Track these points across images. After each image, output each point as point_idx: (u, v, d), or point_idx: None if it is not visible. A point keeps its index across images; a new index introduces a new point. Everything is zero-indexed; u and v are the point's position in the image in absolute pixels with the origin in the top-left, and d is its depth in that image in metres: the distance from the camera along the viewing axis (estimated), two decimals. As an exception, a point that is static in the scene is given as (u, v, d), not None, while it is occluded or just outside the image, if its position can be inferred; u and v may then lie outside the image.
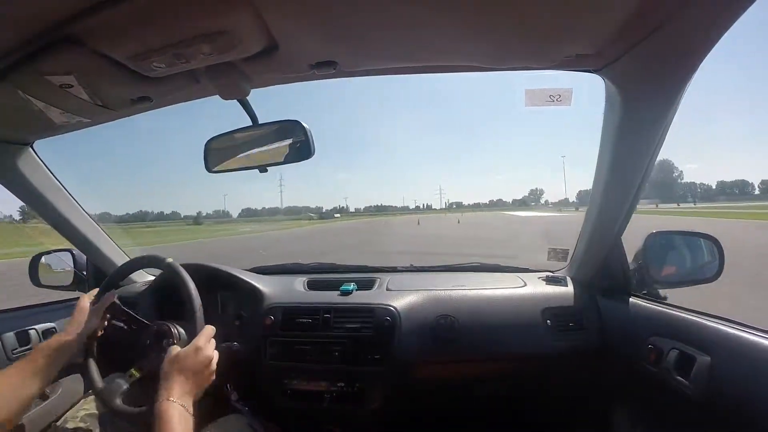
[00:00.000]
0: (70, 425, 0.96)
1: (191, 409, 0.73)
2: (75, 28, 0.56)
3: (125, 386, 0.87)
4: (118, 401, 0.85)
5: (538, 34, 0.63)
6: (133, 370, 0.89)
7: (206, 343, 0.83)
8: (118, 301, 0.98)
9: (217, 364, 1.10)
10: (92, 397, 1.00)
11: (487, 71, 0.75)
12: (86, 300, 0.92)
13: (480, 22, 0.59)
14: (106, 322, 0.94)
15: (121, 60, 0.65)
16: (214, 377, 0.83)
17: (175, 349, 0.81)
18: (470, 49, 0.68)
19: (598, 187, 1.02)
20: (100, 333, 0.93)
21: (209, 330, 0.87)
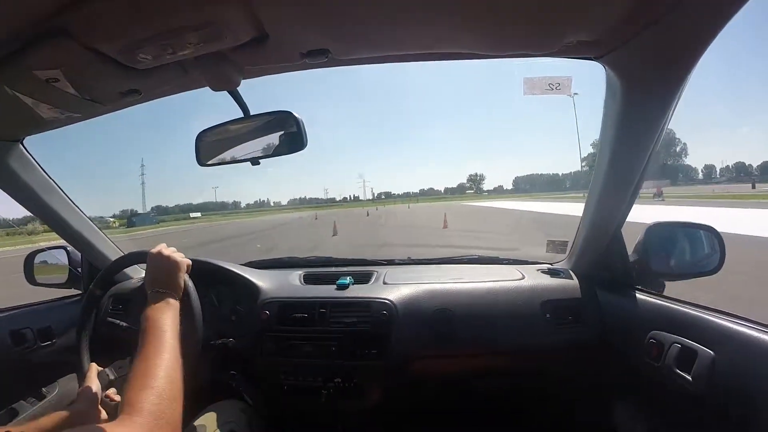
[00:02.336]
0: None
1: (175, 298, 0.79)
2: (61, 21, 0.55)
3: (111, 377, 0.87)
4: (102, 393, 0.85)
5: (537, 20, 0.61)
6: (124, 361, 0.90)
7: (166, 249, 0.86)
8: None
9: (215, 359, 1.10)
10: None
11: (485, 59, 0.73)
12: (92, 372, 0.86)
13: (479, 8, 0.57)
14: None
15: (108, 52, 0.63)
16: (180, 260, 0.86)
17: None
18: (468, 36, 0.66)
19: (598, 178, 1.00)
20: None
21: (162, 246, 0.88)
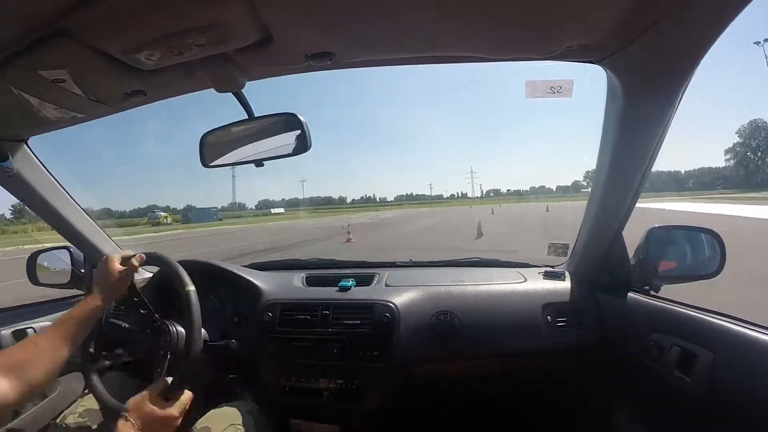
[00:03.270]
0: (69, 421, 0.96)
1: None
2: (67, 21, 0.55)
3: (106, 363, 0.92)
4: (95, 378, 0.91)
5: (539, 24, 0.62)
6: (120, 350, 0.95)
7: (178, 414, 0.80)
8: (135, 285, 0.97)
9: (217, 361, 1.10)
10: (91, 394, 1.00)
11: (488, 62, 0.74)
12: (116, 263, 0.87)
13: (481, 11, 0.58)
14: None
15: (114, 53, 0.64)
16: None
17: (148, 396, 0.78)
18: (470, 39, 0.67)
19: (599, 181, 1.00)
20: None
21: (186, 398, 0.82)
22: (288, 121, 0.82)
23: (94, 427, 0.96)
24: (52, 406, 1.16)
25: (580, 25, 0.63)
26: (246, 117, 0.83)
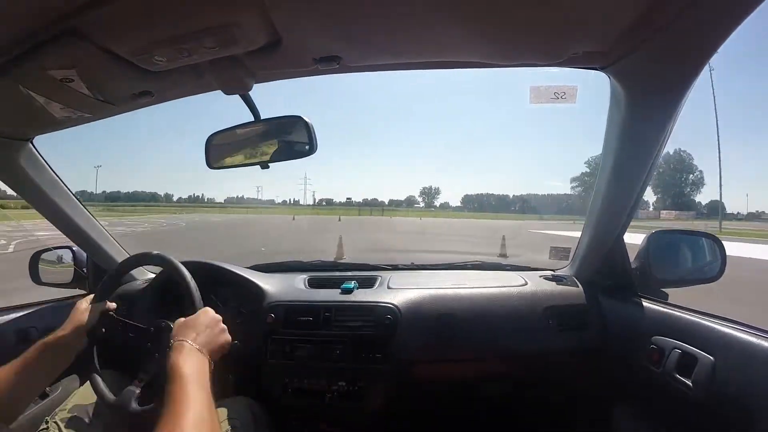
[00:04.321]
0: (59, 417, 0.96)
1: (207, 358, 0.75)
2: (77, 21, 0.56)
3: (137, 391, 0.86)
4: (134, 405, 0.85)
5: (545, 31, 0.62)
6: (141, 375, 0.89)
7: (214, 317, 0.85)
8: (113, 312, 0.97)
9: (220, 361, 1.10)
10: (82, 389, 1.01)
11: (493, 68, 0.74)
12: (84, 303, 0.92)
13: (488, 18, 0.59)
14: (103, 328, 0.93)
15: (123, 54, 0.64)
16: (227, 338, 0.85)
17: (181, 320, 0.83)
18: (477, 45, 0.67)
19: (601, 186, 1.01)
20: (101, 331, 0.92)
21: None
22: (294, 124, 0.83)
23: (85, 419, 0.96)
24: (52, 406, 1.16)
25: (586, 32, 0.63)
26: (252, 119, 0.84)
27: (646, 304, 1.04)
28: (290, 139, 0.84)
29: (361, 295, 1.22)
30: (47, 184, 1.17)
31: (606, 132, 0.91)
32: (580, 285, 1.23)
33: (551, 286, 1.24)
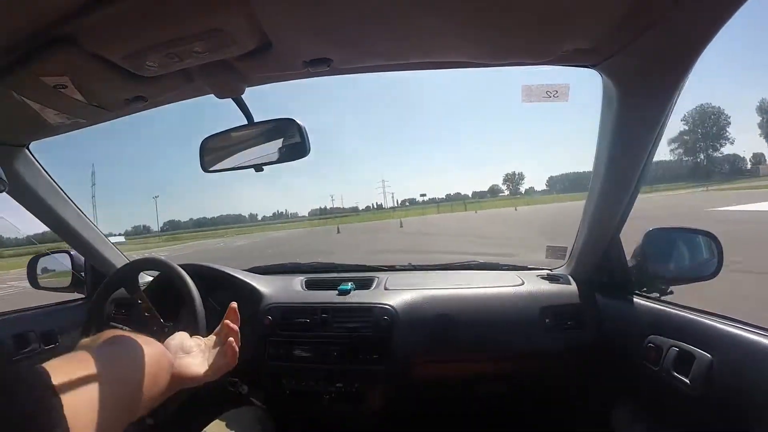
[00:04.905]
0: None
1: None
2: (68, 28, 0.56)
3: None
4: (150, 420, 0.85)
5: (534, 29, 0.62)
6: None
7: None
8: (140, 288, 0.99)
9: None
10: None
11: (483, 67, 0.74)
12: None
13: (476, 17, 0.59)
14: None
15: (115, 60, 0.65)
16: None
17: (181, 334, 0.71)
18: (467, 45, 0.67)
19: (595, 184, 1.01)
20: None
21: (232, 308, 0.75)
22: (287, 127, 0.83)
23: None
24: None
25: (576, 29, 0.63)
26: (246, 122, 0.84)
27: (643, 302, 1.04)
28: (284, 141, 0.84)
29: (358, 297, 1.23)
30: (44, 189, 1.17)
31: (599, 130, 0.91)
32: (576, 284, 1.23)
33: (548, 286, 1.24)
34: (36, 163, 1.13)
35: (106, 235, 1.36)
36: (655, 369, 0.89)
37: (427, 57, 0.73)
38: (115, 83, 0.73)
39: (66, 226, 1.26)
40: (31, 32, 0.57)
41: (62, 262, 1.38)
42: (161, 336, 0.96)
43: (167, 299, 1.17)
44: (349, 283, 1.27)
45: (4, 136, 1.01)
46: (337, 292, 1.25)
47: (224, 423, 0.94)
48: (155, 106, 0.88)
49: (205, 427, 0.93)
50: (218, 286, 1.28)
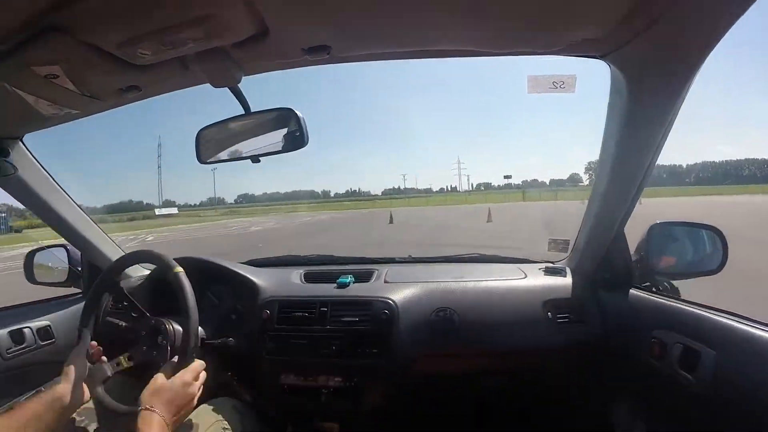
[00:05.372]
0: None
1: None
2: (58, 16, 0.54)
3: (109, 373, 0.87)
4: (100, 389, 0.85)
5: (542, 17, 0.60)
6: (121, 358, 0.90)
7: (192, 380, 0.83)
8: (111, 319, 1.00)
9: (214, 359, 1.10)
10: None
11: (489, 56, 0.72)
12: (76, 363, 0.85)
13: (482, 5, 0.57)
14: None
15: (107, 48, 0.63)
16: (195, 395, 0.83)
17: (159, 379, 0.80)
18: (472, 33, 0.65)
19: (601, 177, 1.00)
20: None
21: (198, 365, 0.86)
22: (285, 117, 0.81)
23: (92, 425, 0.96)
24: None
25: (585, 18, 0.61)
26: (242, 112, 0.82)
27: (646, 296, 1.03)
28: (281, 131, 0.82)
29: (358, 290, 1.21)
30: (39, 182, 1.15)
31: (606, 122, 0.89)
32: (579, 278, 1.22)
33: (550, 279, 1.23)
34: (30, 155, 1.11)
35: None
36: (659, 365, 0.88)
37: (431, 45, 0.70)
38: (107, 72, 0.71)
39: (61, 220, 1.24)
40: (20, 21, 0.55)
41: (59, 257, 1.36)
42: (154, 332, 0.96)
43: (161, 294, 1.16)
44: (349, 276, 1.26)
45: None
46: (335, 285, 1.24)
47: (203, 412, 0.94)
48: (150, 96, 0.86)
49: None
50: (216, 280, 1.27)
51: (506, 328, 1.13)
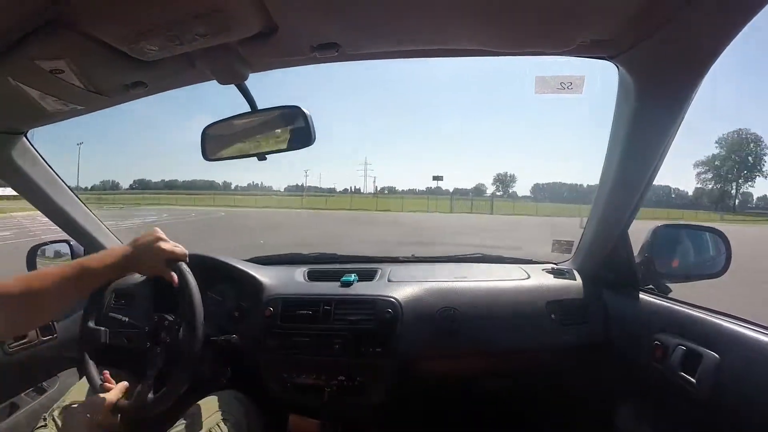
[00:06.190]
0: (57, 413, 0.96)
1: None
2: (62, 9, 0.54)
3: (149, 383, 0.89)
4: (151, 395, 0.87)
5: (552, 17, 0.60)
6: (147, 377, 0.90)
7: (114, 396, 0.86)
8: (113, 314, 1.02)
9: (218, 356, 1.10)
10: (80, 384, 1.02)
11: (497, 56, 0.72)
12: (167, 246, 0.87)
13: (493, 4, 0.56)
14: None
15: (113, 43, 0.62)
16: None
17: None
18: (481, 32, 0.65)
19: (606, 179, 0.99)
20: None
21: (122, 385, 0.89)
22: (291, 114, 0.81)
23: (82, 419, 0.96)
24: (49, 402, 1.15)
25: (594, 19, 0.61)
26: (249, 110, 0.82)
27: (650, 299, 1.03)
28: (288, 129, 0.82)
29: (361, 289, 1.21)
30: (42, 178, 1.15)
31: (613, 123, 0.89)
32: (583, 279, 1.22)
33: (554, 280, 1.22)
34: (34, 151, 1.11)
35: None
36: (660, 367, 0.88)
37: (439, 44, 0.70)
38: (113, 68, 0.71)
39: (64, 215, 1.24)
40: (25, 14, 0.55)
41: (61, 252, 1.36)
42: (157, 327, 0.96)
43: (166, 288, 1.16)
44: (352, 275, 1.26)
45: (2, 124, 0.99)
46: (339, 283, 1.23)
47: (206, 404, 0.95)
48: (156, 92, 0.86)
49: (186, 408, 0.93)
50: (219, 277, 1.27)
51: (509, 329, 1.13)
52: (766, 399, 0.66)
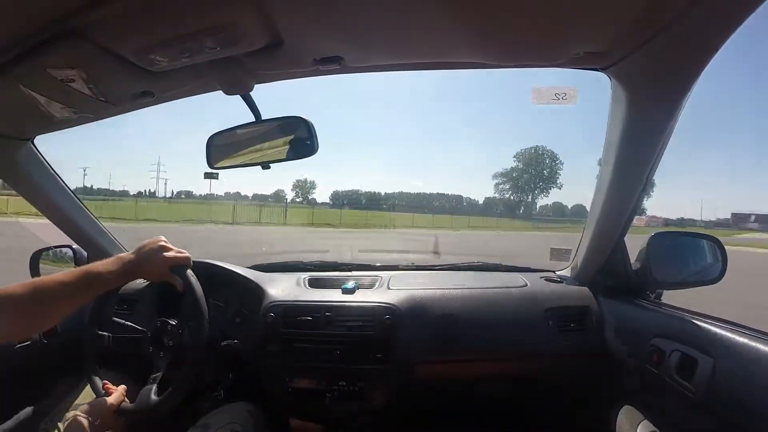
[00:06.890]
0: (58, 417, 0.96)
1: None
2: (79, 21, 0.56)
3: (153, 386, 0.90)
4: (154, 396, 0.88)
5: (546, 31, 0.62)
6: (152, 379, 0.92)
7: (115, 400, 0.87)
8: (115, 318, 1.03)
9: (219, 361, 1.11)
10: (84, 392, 1.02)
11: (494, 68, 0.74)
12: (169, 253, 0.89)
13: (490, 19, 0.59)
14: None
15: (125, 54, 0.64)
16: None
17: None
18: (479, 46, 0.67)
19: (602, 187, 1.01)
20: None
21: (121, 390, 0.90)
22: (294, 125, 0.83)
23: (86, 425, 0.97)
24: (50, 407, 1.16)
25: (587, 33, 0.63)
26: (253, 119, 0.84)
27: (646, 305, 1.04)
28: (291, 139, 0.84)
29: (362, 296, 1.22)
30: (48, 183, 1.17)
31: (607, 133, 0.91)
32: (580, 286, 1.23)
33: (552, 288, 1.24)
34: (41, 157, 1.13)
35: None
36: (657, 372, 0.89)
37: (438, 57, 0.72)
38: (124, 78, 0.72)
39: (69, 220, 1.26)
40: (39, 25, 0.56)
41: (65, 257, 1.37)
42: (160, 332, 0.97)
43: (169, 294, 1.17)
44: (353, 282, 1.27)
45: (10, 129, 1.00)
46: (340, 290, 1.25)
47: (218, 415, 0.95)
48: (162, 102, 0.88)
49: (198, 419, 0.94)
50: (221, 283, 1.28)
51: (508, 335, 1.14)
52: (760, 402, 0.67)
